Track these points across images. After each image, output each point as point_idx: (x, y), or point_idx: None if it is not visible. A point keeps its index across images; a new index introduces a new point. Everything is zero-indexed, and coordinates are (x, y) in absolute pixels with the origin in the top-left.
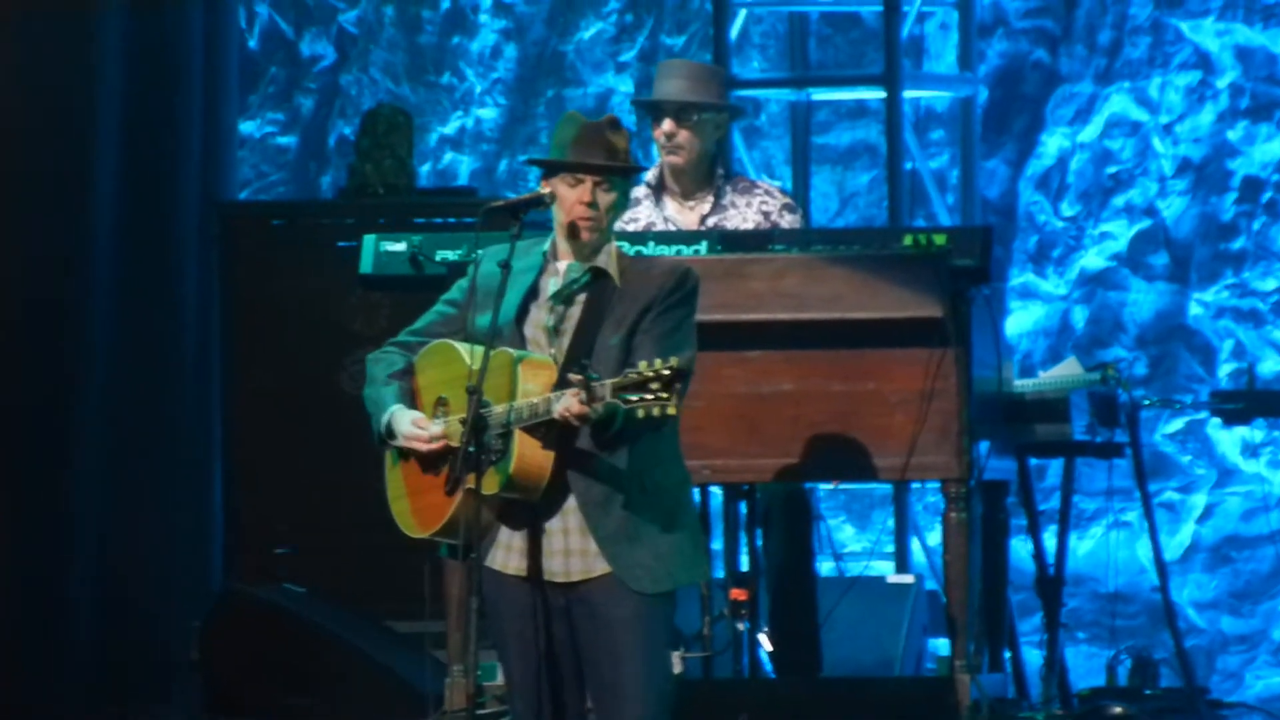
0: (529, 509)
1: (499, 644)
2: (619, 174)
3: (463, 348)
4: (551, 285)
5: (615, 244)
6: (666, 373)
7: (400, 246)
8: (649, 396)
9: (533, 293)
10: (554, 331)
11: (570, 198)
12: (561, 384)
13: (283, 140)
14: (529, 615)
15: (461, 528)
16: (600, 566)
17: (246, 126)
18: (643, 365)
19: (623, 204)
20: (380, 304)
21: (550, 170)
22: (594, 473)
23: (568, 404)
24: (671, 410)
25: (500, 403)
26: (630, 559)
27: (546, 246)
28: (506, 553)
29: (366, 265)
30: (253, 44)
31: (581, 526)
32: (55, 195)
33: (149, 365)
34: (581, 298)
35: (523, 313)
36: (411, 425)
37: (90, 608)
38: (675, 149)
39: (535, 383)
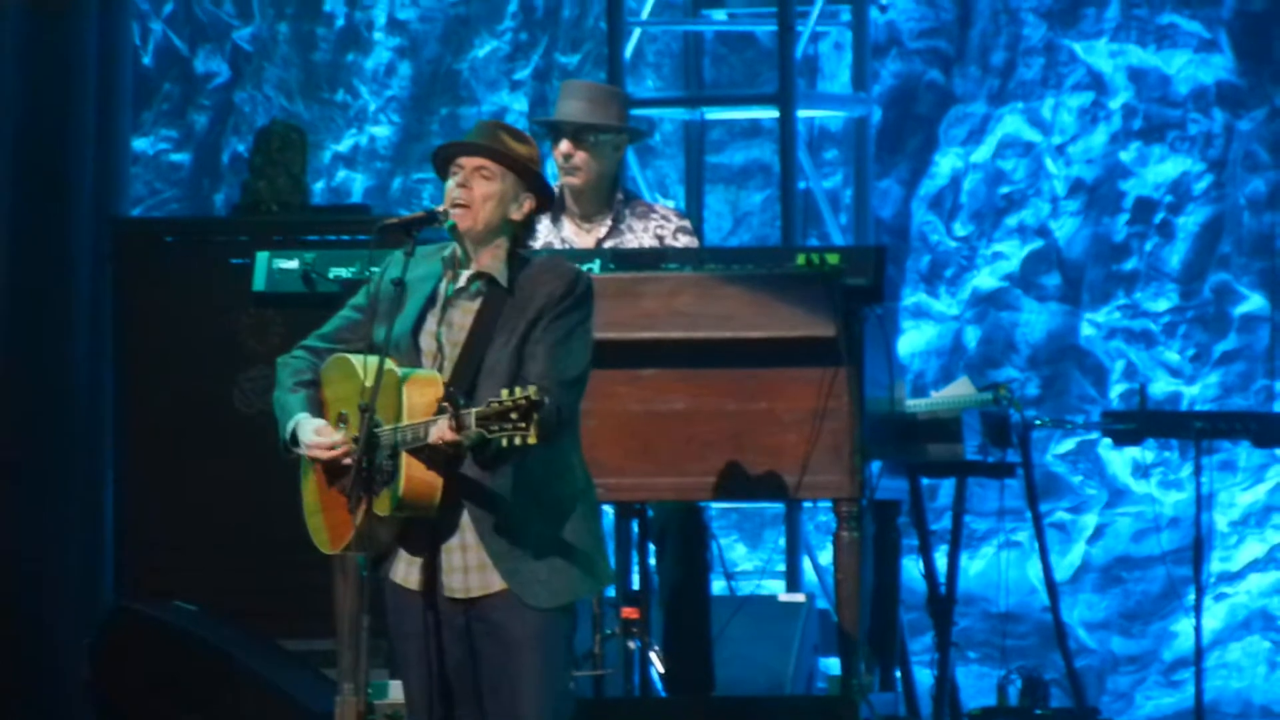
0: (428, 527)
1: (400, 661)
2: (483, 154)
3: (358, 362)
4: (448, 291)
5: (508, 245)
6: (524, 403)
7: (293, 264)
8: (508, 426)
9: (430, 301)
10: (444, 342)
11: (448, 187)
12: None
13: (176, 157)
14: (428, 633)
15: (356, 546)
16: (498, 582)
17: (140, 143)
18: (504, 394)
19: (511, 200)
20: (273, 321)
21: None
22: (486, 490)
23: (440, 431)
24: (532, 439)
25: (390, 421)
26: (526, 574)
27: (448, 253)
28: (408, 567)
29: (259, 282)
30: (147, 60)
31: (479, 543)
32: None
33: (41, 380)
34: (473, 305)
35: (419, 322)
36: (314, 434)
37: None
38: (573, 170)
39: (421, 399)
